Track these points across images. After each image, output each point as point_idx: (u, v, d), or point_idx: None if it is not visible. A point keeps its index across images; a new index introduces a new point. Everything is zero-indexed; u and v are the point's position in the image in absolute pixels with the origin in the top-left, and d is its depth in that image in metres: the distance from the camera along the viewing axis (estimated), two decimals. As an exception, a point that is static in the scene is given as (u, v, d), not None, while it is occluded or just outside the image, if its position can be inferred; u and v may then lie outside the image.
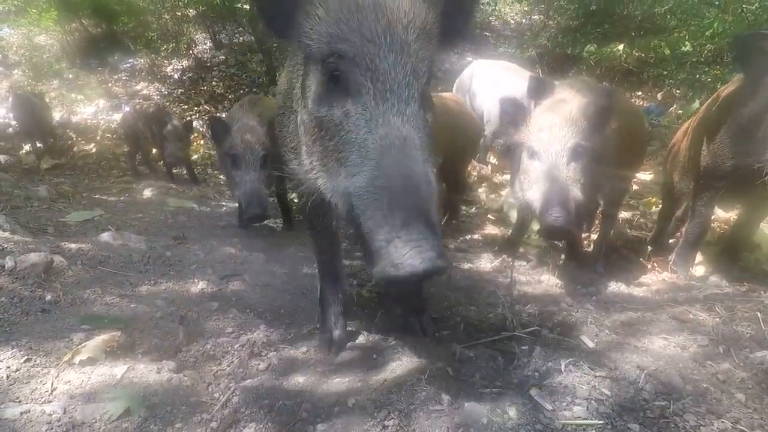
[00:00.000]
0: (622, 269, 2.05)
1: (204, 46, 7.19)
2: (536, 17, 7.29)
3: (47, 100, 5.75)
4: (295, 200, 2.58)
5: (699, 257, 1.98)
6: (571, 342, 1.04)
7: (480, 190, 3.74)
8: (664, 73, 5.71)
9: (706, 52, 5.69)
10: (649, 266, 1.99)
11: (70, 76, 6.51)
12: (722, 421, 0.77)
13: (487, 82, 4.05)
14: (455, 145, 2.62)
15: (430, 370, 0.93)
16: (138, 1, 5.09)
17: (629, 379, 0.84)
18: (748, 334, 1.07)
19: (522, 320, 1.20)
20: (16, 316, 1.06)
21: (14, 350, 0.91)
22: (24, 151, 4.66)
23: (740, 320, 1.19)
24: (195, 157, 4.50)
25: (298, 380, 1.00)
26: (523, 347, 1.02)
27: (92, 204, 2.64)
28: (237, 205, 2.42)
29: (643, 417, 0.75)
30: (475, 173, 4.01)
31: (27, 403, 0.78)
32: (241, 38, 7.06)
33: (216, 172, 4.36)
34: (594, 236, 2.27)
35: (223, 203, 3.24)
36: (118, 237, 1.68)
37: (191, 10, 5.34)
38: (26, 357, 0.89)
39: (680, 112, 5.11)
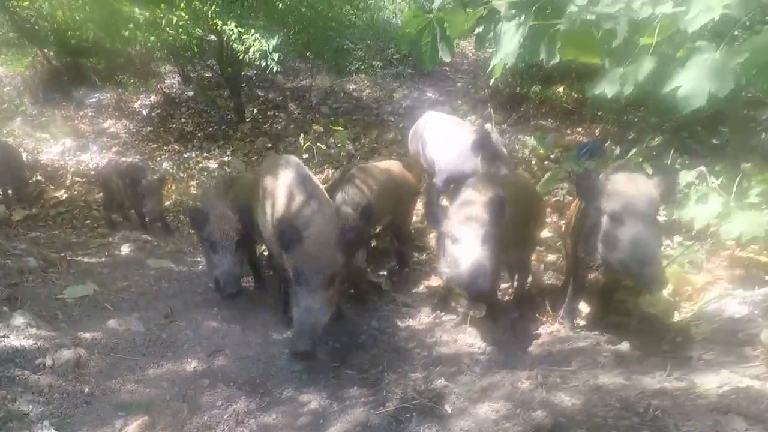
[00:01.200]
0: (530, 320, 2.70)
1: (172, 80, 7.56)
2: (489, 53, 8.07)
3: (11, 139, 6.02)
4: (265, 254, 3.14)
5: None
6: (438, 410, 1.65)
7: (431, 235, 4.37)
8: (599, 113, 6.58)
9: (632, 96, 6.56)
10: (545, 318, 2.66)
11: (34, 112, 6.74)
12: None
13: (438, 133, 4.68)
14: (400, 205, 3.26)
15: None
16: (104, 38, 5.45)
17: None
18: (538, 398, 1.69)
19: (418, 389, 1.80)
20: (69, 409, 1.55)
21: (79, 438, 1.42)
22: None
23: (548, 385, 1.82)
24: (167, 203, 4.91)
25: (271, 444, 1.55)
26: (407, 415, 1.62)
27: (80, 272, 3.07)
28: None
29: None
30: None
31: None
32: (208, 74, 7.47)
33: (188, 219, 4.80)
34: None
35: (198, 259, 3.71)
36: (122, 323, 2.17)
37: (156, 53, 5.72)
38: (89, 443, 1.40)
39: (615, 149, 5.94)
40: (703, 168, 3.53)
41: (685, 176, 3.60)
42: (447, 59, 1.94)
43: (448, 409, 1.66)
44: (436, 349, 2.32)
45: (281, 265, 2.30)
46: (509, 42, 1.86)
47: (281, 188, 2.38)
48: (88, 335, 2.02)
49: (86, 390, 1.66)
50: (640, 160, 4.93)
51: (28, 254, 3.21)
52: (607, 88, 2.02)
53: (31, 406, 1.51)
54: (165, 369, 1.94)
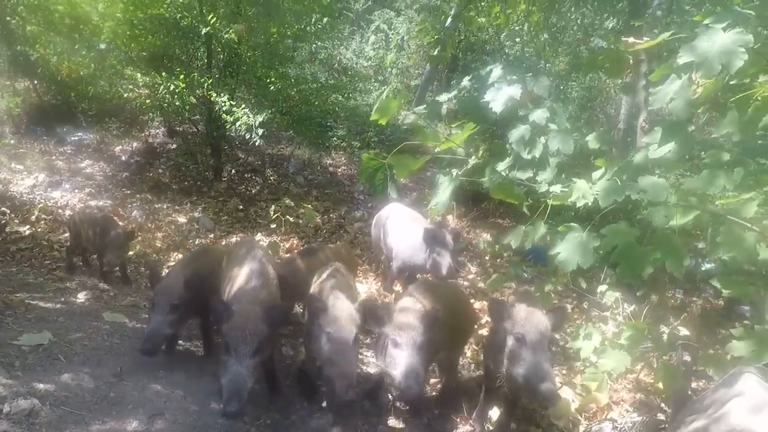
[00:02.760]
0: (447, 419, 3.10)
1: (157, 131, 8.10)
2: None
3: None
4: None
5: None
6: None
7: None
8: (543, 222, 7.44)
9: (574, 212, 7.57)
10: (459, 419, 3.07)
11: (12, 141, 7.04)
12: None
13: (397, 225, 5.29)
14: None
15: None
16: (103, 94, 6.00)
17: None
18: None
19: None
20: (19, 455, 1.83)
21: (27, 482, 1.70)
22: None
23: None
24: (131, 253, 5.19)
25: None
26: None
27: (36, 319, 3.31)
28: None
29: None
30: (380, 302, 5.09)
31: None
32: (193, 129, 8.06)
33: (148, 272, 5.07)
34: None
35: (152, 315, 3.98)
36: (75, 377, 2.46)
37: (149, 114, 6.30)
38: (36, 487, 1.69)
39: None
40: (618, 295, 4.22)
41: (611, 296, 4.28)
42: (393, 196, 2.55)
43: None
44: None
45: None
46: (443, 192, 2.50)
47: (232, 272, 2.88)
48: (41, 386, 2.30)
49: (36, 439, 1.94)
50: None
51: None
52: (513, 241, 2.66)
53: (-14, 450, 1.79)
54: (108, 427, 2.22)
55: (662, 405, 3.49)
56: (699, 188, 1.78)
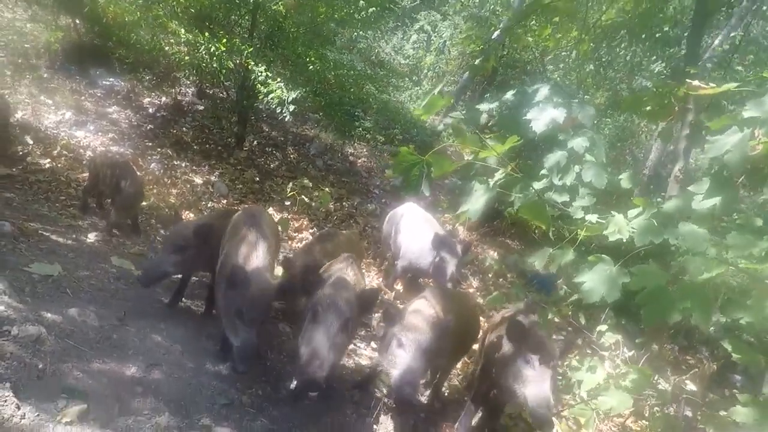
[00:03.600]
0: (432, 423, 3.12)
1: (187, 90, 8.14)
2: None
3: (13, 96, 6.32)
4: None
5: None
6: None
7: (375, 315, 4.81)
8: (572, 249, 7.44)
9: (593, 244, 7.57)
10: (445, 426, 3.08)
11: (45, 75, 7.10)
12: None
13: (410, 225, 5.30)
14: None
15: None
16: (141, 42, 6.03)
17: None
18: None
19: None
20: (23, 378, 1.86)
21: (29, 405, 1.73)
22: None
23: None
24: (144, 204, 5.23)
25: (182, 459, 1.88)
26: None
27: (49, 251, 3.35)
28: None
29: None
30: (379, 298, 5.11)
31: (40, 443, 1.61)
32: (223, 93, 8.09)
33: (159, 225, 5.12)
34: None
35: (158, 268, 4.01)
36: (81, 313, 2.49)
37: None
38: (36, 412, 1.72)
39: (562, 290, 6.69)
40: (619, 337, 4.22)
41: (610, 338, 4.27)
42: (426, 193, 2.56)
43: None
44: (345, 425, 2.69)
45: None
46: (476, 200, 2.49)
47: (241, 241, 2.84)
48: (49, 315, 2.33)
49: (40, 366, 1.97)
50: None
51: (3, 218, 3.49)
52: (537, 262, 2.66)
53: (-6, 366, 1.82)
54: (108, 367, 2.25)
55: None
56: (740, 246, 1.78)
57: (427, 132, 9.07)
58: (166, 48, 5.47)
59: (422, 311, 2.76)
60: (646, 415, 3.65)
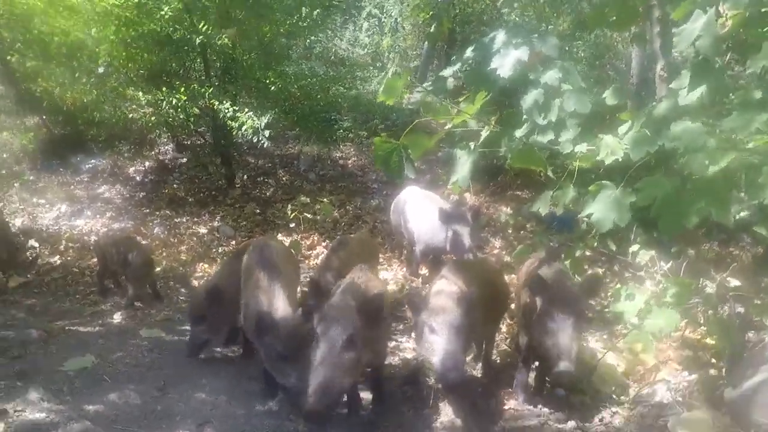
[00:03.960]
0: (491, 394, 3.07)
1: (166, 147, 8.17)
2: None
3: (7, 205, 6.43)
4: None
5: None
6: None
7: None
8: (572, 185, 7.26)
9: (601, 171, 7.34)
10: (503, 393, 3.02)
11: (32, 178, 7.20)
12: None
13: (416, 207, 5.23)
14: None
15: None
16: (106, 117, 6.05)
17: None
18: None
19: None
20: (80, 476, 1.87)
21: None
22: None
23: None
24: (158, 269, 5.27)
25: None
26: None
27: (78, 344, 3.39)
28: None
29: None
30: (407, 287, 5.06)
31: None
32: (201, 140, 8.10)
33: (178, 285, 5.15)
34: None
35: (186, 327, 4.03)
36: (122, 395, 2.50)
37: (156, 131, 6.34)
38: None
39: (583, 225, 6.52)
40: (653, 252, 4.08)
41: (644, 255, 4.14)
42: (411, 176, 2.48)
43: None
44: (404, 425, 2.66)
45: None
46: (462, 167, 2.41)
47: (256, 286, 2.82)
48: (91, 408, 2.35)
49: (93, 460, 1.98)
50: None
51: (28, 325, 3.54)
52: (541, 207, 2.57)
53: (48, 474, 1.83)
54: (160, 439, 2.25)
55: (713, 360, 3.37)
56: (736, 129, 1.66)
57: (406, 113, 8.94)
58: (131, 115, 5.46)
59: (444, 290, 2.69)
60: (702, 320, 3.53)
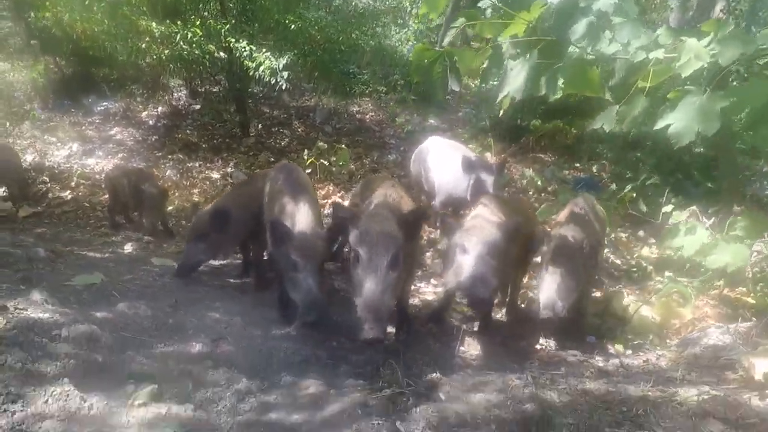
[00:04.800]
0: (521, 337, 2.86)
1: (180, 93, 7.88)
2: (492, 85, 8.50)
3: (19, 141, 6.24)
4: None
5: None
6: (433, 395, 1.80)
7: (427, 254, 4.54)
8: (597, 150, 6.91)
9: (632, 134, 6.95)
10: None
11: (43, 116, 6.98)
12: None
13: (439, 158, 4.94)
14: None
15: (349, 412, 1.65)
16: (120, 50, 5.75)
17: (448, 418, 1.60)
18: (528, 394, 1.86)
19: (413, 379, 1.96)
20: (83, 373, 1.69)
21: (96, 396, 1.54)
22: (-2, 197, 5.11)
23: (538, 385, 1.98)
24: (170, 208, 5.09)
25: (272, 416, 1.68)
26: (404, 398, 1.76)
27: (87, 264, 3.21)
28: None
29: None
30: (425, 238, 4.83)
31: (118, 429, 1.43)
32: (216, 88, 7.79)
33: (190, 223, 4.96)
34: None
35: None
36: (131, 306, 2.31)
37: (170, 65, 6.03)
38: (105, 401, 1.53)
39: (611, 186, 6.20)
40: (695, 207, 3.79)
41: (679, 216, 3.86)
42: (456, 88, 2.19)
43: (441, 396, 1.81)
44: (430, 354, 2.46)
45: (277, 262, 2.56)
46: (515, 79, 2.12)
47: (277, 194, 2.75)
48: (99, 315, 2.16)
49: (100, 359, 1.80)
50: (634, 195, 5.20)
51: (36, 245, 3.37)
52: (605, 124, 2.28)
53: (49, 368, 1.64)
54: (172, 349, 2.07)
55: (753, 319, 3.12)
56: None
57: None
58: (143, 46, 5.16)
59: (483, 215, 2.46)
60: (749, 274, 3.27)
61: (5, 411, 1.37)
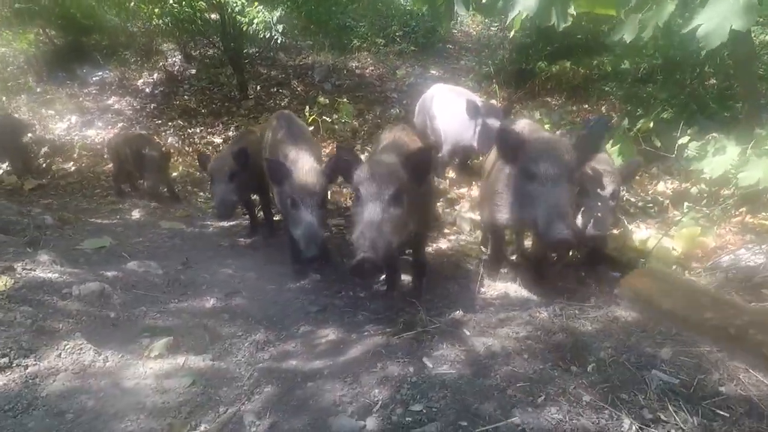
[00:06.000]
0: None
1: (174, 59, 7.56)
2: (494, 30, 8.04)
3: (17, 115, 6.06)
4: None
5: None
6: (458, 332, 1.72)
7: (438, 204, 4.41)
8: (606, 89, 6.57)
9: (642, 69, 6.59)
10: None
11: (38, 90, 6.75)
12: (511, 368, 1.43)
13: (444, 105, 4.71)
14: None
15: (372, 352, 1.57)
16: (107, 16, 5.45)
17: (477, 351, 1.52)
18: (558, 324, 1.76)
19: (436, 318, 1.87)
20: (98, 328, 1.62)
21: (110, 350, 1.48)
22: (2, 171, 5.00)
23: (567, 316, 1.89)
24: (174, 174, 4.96)
25: (292, 363, 1.61)
26: (429, 336, 1.68)
27: (96, 230, 3.13)
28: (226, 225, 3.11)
29: (477, 368, 1.43)
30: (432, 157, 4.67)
31: (134, 380, 1.36)
32: (210, 51, 7.46)
33: (196, 189, 4.86)
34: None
35: (208, 222, 3.77)
36: (142, 265, 2.24)
37: (162, 22, 5.71)
38: (120, 354, 1.47)
39: (626, 125, 5.93)
40: (715, 134, 3.57)
41: (697, 145, 3.65)
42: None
43: (467, 332, 1.72)
44: (450, 297, 2.37)
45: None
46: None
47: (276, 139, 2.67)
48: (109, 274, 2.09)
49: (112, 315, 1.73)
50: (651, 125, 4.95)
51: (44, 214, 3.28)
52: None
53: (61, 324, 1.57)
54: (185, 304, 2.00)
55: None
56: None
57: (426, 19, 8.06)
58: (131, 5, 4.85)
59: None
60: None
61: (18, 365, 1.31)
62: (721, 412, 1.17)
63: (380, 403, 1.26)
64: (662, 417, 1.17)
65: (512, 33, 5.45)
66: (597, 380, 1.34)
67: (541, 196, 1.92)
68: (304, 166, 2.33)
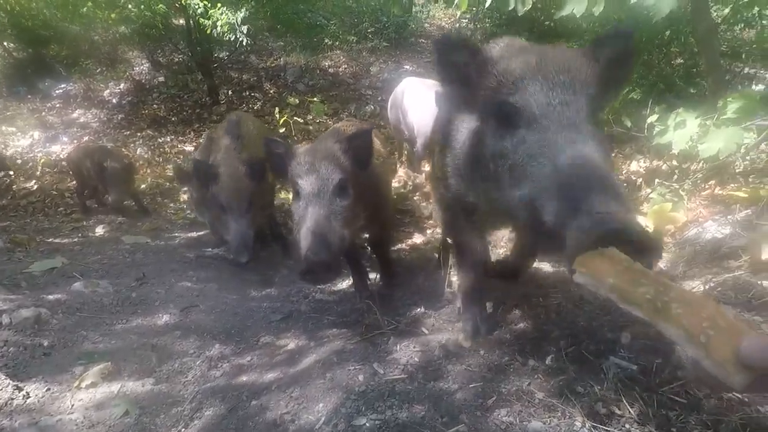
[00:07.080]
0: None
1: (141, 67, 7.34)
2: (464, 22, 7.95)
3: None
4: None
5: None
6: (416, 331, 1.61)
7: (415, 198, 4.30)
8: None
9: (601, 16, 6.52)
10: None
11: (-2, 106, 6.50)
12: (465, 367, 1.33)
13: (416, 98, 4.60)
14: None
15: (323, 361, 1.45)
16: (67, 25, 5.24)
17: (432, 351, 1.41)
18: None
19: (395, 318, 1.76)
20: (26, 360, 1.47)
21: (35, 383, 1.33)
22: (-40, 194, 4.77)
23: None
24: (143, 186, 4.78)
25: (243, 379, 1.48)
26: (385, 338, 1.57)
27: (50, 250, 2.96)
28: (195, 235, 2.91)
29: (430, 370, 1.33)
30: (410, 183, 4.57)
31: (57, 416, 1.22)
32: (178, 57, 7.26)
33: (166, 200, 4.68)
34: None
35: (176, 234, 3.61)
36: (89, 285, 2.08)
37: (124, 29, 5.51)
38: (46, 387, 1.32)
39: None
40: (681, 109, 3.52)
41: (665, 121, 3.60)
42: None
43: (425, 330, 1.62)
44: (420, 293, 2.25)
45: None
46: None
47: (217, 147, 2.60)
48: (52, 297, 1.93)
49: (45, 343, 1.58)
50: (618, 109, 4.91)
51: (-3, 240, 3.09)
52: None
53: (-17, 358, 1.42)
54: (134, 324, 1.85)
55: (748, 211, 2.96)
56: None
57: (395, 14, 7.95)
58: (84, 10, 4.66)
59: None
60: (738, 168, 3.07)
61: None
62: (679, 399, 1.09)
63: (323, 419, 1.14)
64: (617, 411, 1.08)
65: (459, 14, 5.35)
66: (553, 372, 1.24)
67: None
68: (231, 168, 2.31)
